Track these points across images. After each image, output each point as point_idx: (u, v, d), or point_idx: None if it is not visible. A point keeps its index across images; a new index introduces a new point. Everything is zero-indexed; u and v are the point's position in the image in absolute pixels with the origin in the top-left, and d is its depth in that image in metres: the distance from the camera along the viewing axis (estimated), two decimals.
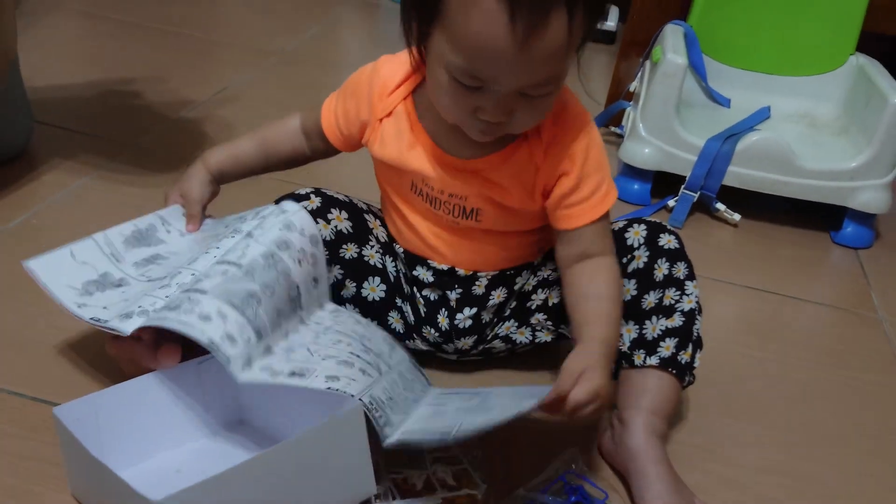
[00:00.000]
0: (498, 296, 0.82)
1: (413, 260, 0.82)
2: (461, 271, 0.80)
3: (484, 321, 0.83)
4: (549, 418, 0.82)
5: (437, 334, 0.83)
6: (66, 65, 1.50)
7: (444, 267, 0.81)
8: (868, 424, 0.91)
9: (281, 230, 0.75)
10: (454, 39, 0.64)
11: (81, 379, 0.78)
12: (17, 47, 1.11)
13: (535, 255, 0.83)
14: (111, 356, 0.76)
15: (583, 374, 0.65)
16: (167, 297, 0.72)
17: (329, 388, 0.65)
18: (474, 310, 0.82)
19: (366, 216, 0.83)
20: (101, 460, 0.58)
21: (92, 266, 0.78)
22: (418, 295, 0.82)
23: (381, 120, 0.77)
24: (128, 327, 0.71)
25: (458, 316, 0.82)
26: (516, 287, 0.83)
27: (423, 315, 0.83)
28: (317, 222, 0.78)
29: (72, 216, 1.05)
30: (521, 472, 0.74)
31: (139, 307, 0.72)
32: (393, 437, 0.65)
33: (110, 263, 0.79)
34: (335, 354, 0.70)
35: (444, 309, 0.82)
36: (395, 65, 0.77)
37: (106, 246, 0.80)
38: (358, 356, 0.71)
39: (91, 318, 0.73)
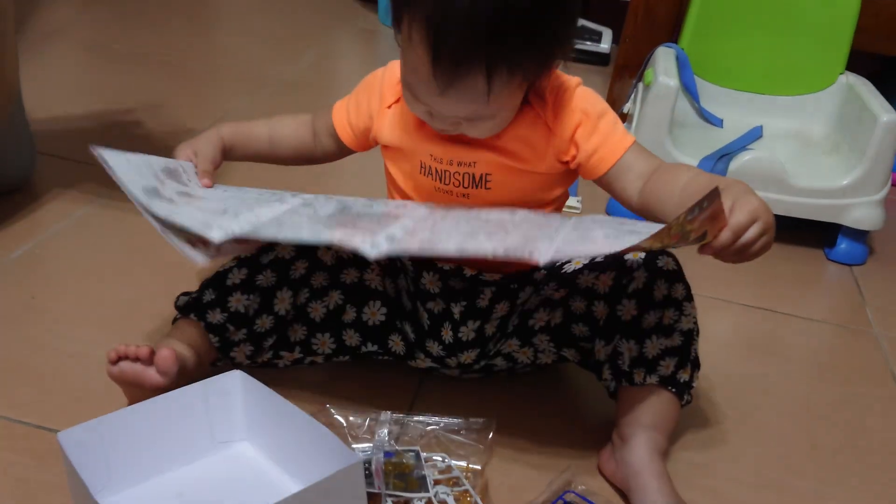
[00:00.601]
0: (501, 308, 0.83)
1: (418, 268, 0.83)
2: (467, 271, 0.82)
3: (487, 334, 0.84)
4: (549, 434, 0.83)
5: (440, 348, 0.84)
6: (67, 95, 1.52)
7: (450, 267, 0.82)
8: (865, 439, 0.92)
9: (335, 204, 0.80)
10: (402, 61, 0.73)
11: (87, 407, 0.78)
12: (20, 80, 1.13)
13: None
14: (112, 379, 0.77)
15: (735, 202, 0.63)
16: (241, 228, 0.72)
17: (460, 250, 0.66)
18: (478, 322, 0.83)
19: None
20: (108, 479, 0.59)
21: (145, 177, 0.78)
22: (422, 308, 0.84)
23: (389, 107, 0.82)
24: (215, 234, 0.70)
25: (462, 329, 0.83)
26: (519, 301, 0.84)
27: (426, 329, 0.84)
28: (318, 248, 0.81)
29: (75, 245, 1.07)
30: (520, 492, 0.75)
31: (217, 224, 0.72)
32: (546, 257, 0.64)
33: (156, 181, 0.79)
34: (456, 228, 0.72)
35: (447, 322, 0.83)
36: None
37: (151, 166, 0.80)
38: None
39: (164, 216, 0.72)
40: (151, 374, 0.73)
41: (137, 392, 0.74)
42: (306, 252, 0.81)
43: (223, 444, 0.74)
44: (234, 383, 0.74)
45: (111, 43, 1.78)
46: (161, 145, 1.36)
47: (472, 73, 0.67)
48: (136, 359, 0.73)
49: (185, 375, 0.75)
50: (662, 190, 0.74)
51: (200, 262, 0.73)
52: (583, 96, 0.78)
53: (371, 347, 0.85)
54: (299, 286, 0.82)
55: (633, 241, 0.63)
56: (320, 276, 0.82)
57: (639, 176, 0.77)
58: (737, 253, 0.64)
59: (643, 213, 0.77)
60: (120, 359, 0.74)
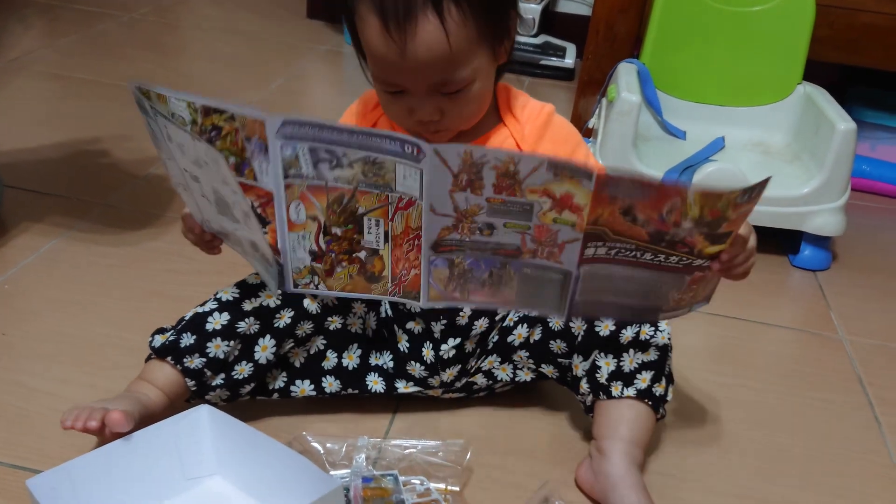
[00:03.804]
0: (480, 325, 0.84)
1: None
2: None
3: (467, 351, 0.85)
4: (526, 452, 0.84)
5: (422, 368, 0.85)
6: (33, 127, 1.51)
7: None
8: (834, 443, 0.93)
9: None
10: (367, 55, 0.74)
11: (59, 445, 0.78)
12: None
13: None
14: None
15: None
16: None
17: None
18: (458, 339, 0.84)
19: None
20: None
21: None
22: (401, 332, 0.85)
23: None
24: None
25: (443, 347, 0.84)
26: (497, 318, 0.85)
27: (407, 352, 0.85)
28: (304, 296, 0.81)
29: (44, 279, 1.06)
30: None
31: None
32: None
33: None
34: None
35: (428, 342, 0.84)
36: (375, 91, 0.84)
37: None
38: None
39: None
40: (106, 433, 0.73)
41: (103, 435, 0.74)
42: (292, 301, 0.81)
43: (194, 481, 0.74)
44: (202, 418, 0.74)
45: (76, 72, 1.78)
46: (129, 174, 1.36)
47: (421, 12, 0.68)
48: (86, 430, 0.72)
49: (153, 418, 0.75)
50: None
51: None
52: (557, 128, 0.80)
53: (351, 392, 0.86)
54: (283, 336, 0.81)
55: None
56: (305, 325, 0.82)
57: None
58: (746, 259, 0.69)
59: None
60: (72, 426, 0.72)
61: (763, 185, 0.60)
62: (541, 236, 0.64)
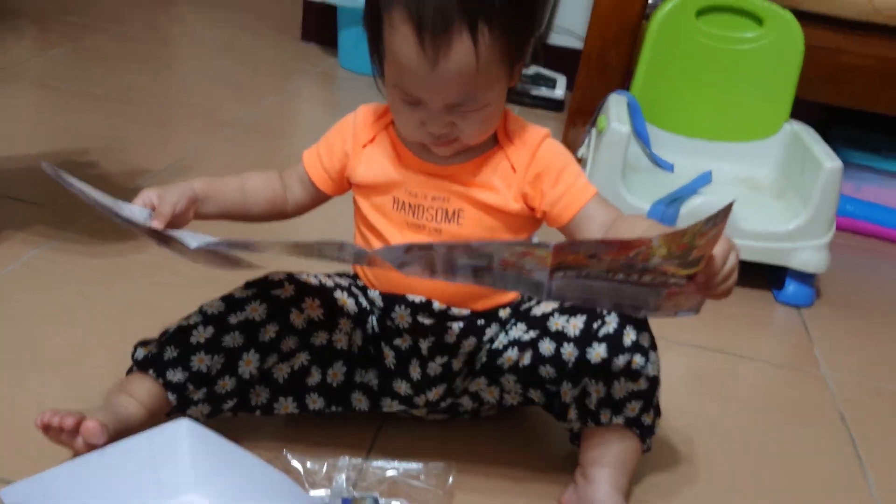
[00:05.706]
0: (468, 345, 0.84)
1: (390, 302, 0.83)
2: (436, 304, 0.82)
3: (454, 369, 0.84)
4: (509, 478, 0.83)
5: (408, 386, 0.84)
6: (21, 136, 1.50)
7: (421, 299, 0.82)
8: (816, 479, 0.93)
9: None
10: (389, 60, 0.74)
11: (37, 455, 0.76)
12: None
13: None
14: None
15: None
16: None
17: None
18: (445, 357, 0.83)
19: (335, 294, 0.84)
20: None
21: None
22: (388, 348, 0.84)
23: (364, 146, 0.83)
24: (192, 241, 0.72)
25: (430, 364, 0.83)
26: (485, 338, 0.85)
27: (393, 368, 0.84)
28: (290, 311, 0.81)
29: (25, 287, 1.05)
30: None
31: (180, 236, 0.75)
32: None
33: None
34: None
35: (415, 359, 0.83)
36: (375, 104, 0.85)
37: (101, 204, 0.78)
38: None
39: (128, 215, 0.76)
40: (78, 443, 0.71)
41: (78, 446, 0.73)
42: (278, 315, 0.80)
43: (170, 497, 0.72)
44: (181, 432, 0.73)
45: (66, 83, 1.77)
46: (118, 187, 1.35)
47: (457, 30, 0.69)
48: (62, 430, 0.71)
49: (130, 432, 0.74)
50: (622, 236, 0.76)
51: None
52: (549, 147, 0.81)
53: (335, 409, 0.85)
54: (268, 350, 0.80)
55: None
56: (290, 340, 0.81)
57: (601, 225, 0.79)
58: (724, 280, 0.66)
59: None
60: (46, 427, 0.72)
61: (727, 209, 0.60)
62: (507, 265, 0.65)
